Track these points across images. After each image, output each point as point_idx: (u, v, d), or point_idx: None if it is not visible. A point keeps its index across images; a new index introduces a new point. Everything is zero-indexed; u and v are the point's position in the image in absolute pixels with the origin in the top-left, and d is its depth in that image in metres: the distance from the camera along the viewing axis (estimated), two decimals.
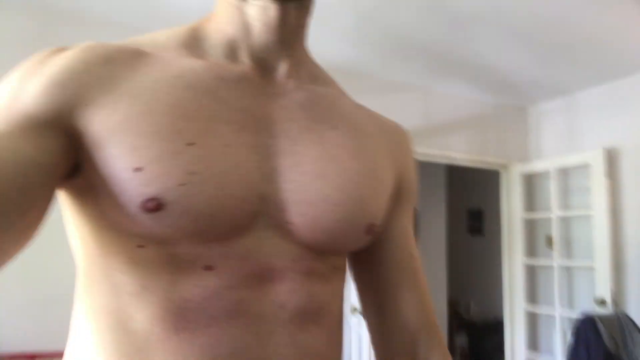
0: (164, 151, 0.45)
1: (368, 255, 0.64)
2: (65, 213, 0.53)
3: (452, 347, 4.92)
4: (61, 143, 0.46)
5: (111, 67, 0.50)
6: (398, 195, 0.64)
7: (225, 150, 0.49)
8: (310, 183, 0.52)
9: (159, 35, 0.56)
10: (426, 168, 4.51)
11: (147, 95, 0.49)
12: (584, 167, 3.20)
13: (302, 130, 0.55)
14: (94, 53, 0.50)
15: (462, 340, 5.03)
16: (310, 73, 0.62)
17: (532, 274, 3.58)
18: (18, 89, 0.47)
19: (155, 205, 0.44)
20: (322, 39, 2.59)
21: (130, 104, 0.48)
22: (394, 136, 0.66)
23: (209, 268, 0.47)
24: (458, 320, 5.18)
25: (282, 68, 0.57)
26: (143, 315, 0.46)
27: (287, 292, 0.50)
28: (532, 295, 3.56)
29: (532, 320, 3.54)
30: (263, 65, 0.56)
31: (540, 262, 3.50)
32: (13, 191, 0.40)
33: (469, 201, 5.41)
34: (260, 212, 0.50)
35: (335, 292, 0.57)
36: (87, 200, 0.49)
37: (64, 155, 0.46)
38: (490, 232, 5.09)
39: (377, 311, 0.65)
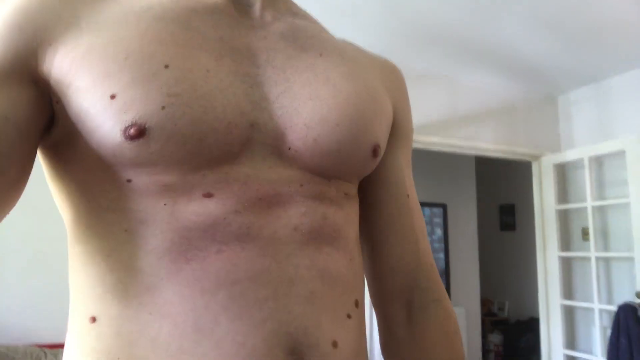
0: (139, 75, 0.42)
1: (360, 193, 0.60)
2: (47, 171, 0.51)
3: (486, 347, 4.81)
4: (30, 94, 0.43)
5: (72, 4, 0.46)
6: (393, 130, 0.61)
7: (207, 74, 0.45)
8: (303, 106, 0.50)
9: None
10: (454, 161, 4.45)
11: (113, 25, 0.45)
12: (619, 155, 3.08)
13: (288, 58, 0.53)
14: None
15: (496, 339, 4.91)
16: (288, 8, 0.59)
17: (567, 268, 3.47)
18: None
19: (137, 131, 0.41)
20: (346, 30, 2.58)
21: (95, 35, 0.44)
22: (386, 69, 0.64)
23: (208, 195, 0.44)
24: (492, 319, 5.06)
25: (257, 1, 0.55)
26: (145, 251, 0.43)
27: (299, 215, 0.48)
28: (569, 290, 3.44)
29: (570, 316, 3.42)
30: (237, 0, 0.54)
31: (576, 254, 3.39)
32: None
33: (500, 196, 5.30)
34: (253, 139, 0.47)
35: (349, 219, 0.54)
36: (67, 149, 0.47)
37: (35, 108, 0.43)
38: (522, 226, 4.97)
39: (370, 254, 0.62)
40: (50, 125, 0.46)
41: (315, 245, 0.48)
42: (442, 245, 4.47)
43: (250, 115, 0.47)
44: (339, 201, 0.52)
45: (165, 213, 0.44)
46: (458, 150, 3.27)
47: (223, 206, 0.45)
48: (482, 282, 4.60)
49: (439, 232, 4.47)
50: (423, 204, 4.44)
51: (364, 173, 0.56)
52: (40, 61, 0.44)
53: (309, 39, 0.56)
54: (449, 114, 3.21)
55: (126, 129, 0.41)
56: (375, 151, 0.54)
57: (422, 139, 3.03)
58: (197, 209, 0.44)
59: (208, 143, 0.44)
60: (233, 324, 0.42)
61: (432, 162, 4.31)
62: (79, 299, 0.46)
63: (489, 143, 3.32)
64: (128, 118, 0.41)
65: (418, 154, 4.34)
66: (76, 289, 0.47)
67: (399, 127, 0.63)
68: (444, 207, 4.48)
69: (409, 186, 0.63)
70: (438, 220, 4.46)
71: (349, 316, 0.50)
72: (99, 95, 0.42)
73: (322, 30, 0.61)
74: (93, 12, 0.46)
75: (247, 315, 0.43)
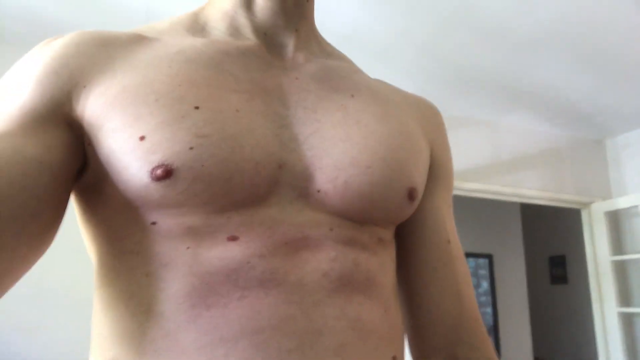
0: (168, 116, 0.42)
1: (397, 239, 0.57)
2: (78, 214, 0.50)
3: None
4: (64, 138, 0.44)
5: (106, 48, 0.47)
6: (432, 172, 0.58)
7: (237, 114, 0.45)
8: (333, 147, 0.48)
9: (159, 22, 0.55)
10: (498, 209, 4.30)
11: (145, 68, 0.46)
12: None
13: (319, 99, 0.52)
14: (89, 36, 0.48)
15: None
16: (321, 48, 0.59)
17: (629, 325, 3.20)
18: (13, 86, 0.45)
19: (164, 172, 0.41)
20: (381, 74, 2.58)
21: (127, 77, 0.45)
22: (423, 109, 0.61)
23: (233, 238, 0.43)
24: None
25: (290, 43, 0.55)
26: (166, 295, 0.42)
27: (328, 260, 0.45)
28: (633, 350, 3.15)
29: None
30: (269, 41, 0.54)
31: (637, 310, 3.12)
32: (18, 194, 0.38)
33: (549, 246, 5.04)
34: (282, 181, 0.45)
35: (384, 266, 0.50)
36: (96, 192, 0.46)
37: (69, 151, 0.44)
38: (575, 279, 4.67)
39: (409, 305, 0.57)
40: (83, 168, 0.47)
41: (346, 294, 0.45)
42: (489, 298, 4.25)
43: (279, 155, 0.46)
44: (373, 247, 0.49)
45: (188, 257, 0.42)
46: (502, 198, 3.15)
47: (247, 249, 0.43)
48: (534, 339, 4.30)
49: (485, 284, 4.26)
50: (467, 255, 4.27)
51: (401, 218, 0.52)
52: (75, 104, 0.44)
53: (341, 79, 0.55)
54: (491, 160, 3.12)
55: (153, 170, 0.41)
56: (411, 195, 0.51)
57: (464, 186, 2.94)
58: (220, 253, 0.42)
59: (234, 183, 0.42)
60: None
61: (475, 210, 4.18)
62: (97, 343, 0.45)
63: (534, 190, 3.19)
64: (155, 159, 0.41)
65: (460, 201, 4.24)
66: (96, 332, 0.46)
67: (438, 168, 0.59)
68: (489, 257, 4.29)
69: (450, 231, 0.58)
70: (484, 272, 4.26)
71: None
72: (127, 136, 0.42)
73: (357, 70, 0.60)
74: (127, 54, 0.47)
75: None
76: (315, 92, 0.52)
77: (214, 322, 0.40)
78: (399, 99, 0.59)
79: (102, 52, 0.47)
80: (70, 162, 0.44)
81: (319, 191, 0.46)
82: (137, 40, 0.49)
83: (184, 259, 0.42)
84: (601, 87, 2.74)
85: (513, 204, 4.19)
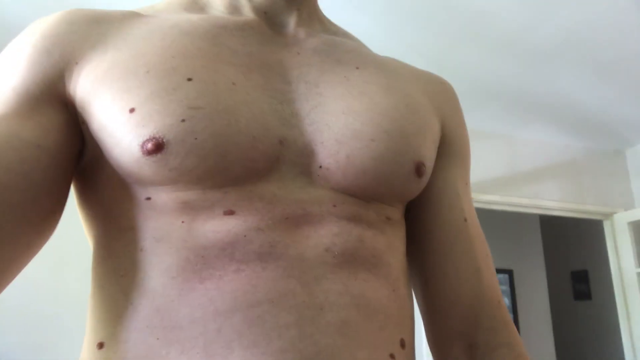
0: (159, 87, 0.41)
1: (411, 219, 0.54)
2: (77, 197, 0.49)
3: None
4: (61, 119, 0.43)
5: (99, 25, 0.46)
6: (444, 148, 0.56)
7: (233, 87, 0.43)
8: (335, 121, 0.46)
9: (159, 3, 0.54)
10: (517, 222, 4.22)
11: (138, 41, 0.45)
12: None
13: (322, 73, 0.50)
14: (81, 13, 0.47)
15: None
16: (324, 27, 0.57)
17: None
18: (5, 68, 0.44)
19: (155, 146, 0.39)
20: None
21: (119, 51, 0.44)
22: (433, 83, 0.59)
23: (230, 213, 0.41)
24: None
25: (291, 22, 0.53)
26: (159, 270, 0.40)
27: (332, 235, 0.43)
28: None
29: None
30: (269, 19, 0.52)
31: None
32: (17, 181, 0.38)
33: (571, 260, 4.91)
34: (283, 157, 0.44)
35: (392, 246, 0.47)
36: (93, 173, 0.45)
37: (67, 133, 0.43)
38: (599, 295, 4.54)
39: (424, 287, 0.53)
40: (83, 150, 0.46)
41: (350, 270, 0.42)
42: (511, 315, 4.13)
43: (278, 131, 0.44)
44: (380, 225, 0.47)
45: (183, 230, 0.41)
46: (520, 210, 3.09)
47: (244, 223, 0.41)
48: (559, 359, 4.16)
49: (506, 301, 4.16)
50: None
51: (409, 196, 0.50)
52: (68, 82, 0.43)
53: (345, 53, 0.54)
54: (509, 171, 3.07)
55: (144, 143, 0.39)
56: (419, 169, 0.48)
57: (481, 198, 2.89)
58: (215, 227, 0.41)
59: (231, 158, 0.41)
60: (248, 353, 0.37)
61: (494, 223, 4.11)
62: (91, 325, 0.43)
63: (553, 201, 3.13)
64: (146, 132, 0.39)
65: (477, 213, 4.16)
66: (90, 314, 0.44)
67: (451, 144, 0.56)
68: (509, 273, 4.19)
69: (467, 210, 0.54)
70: (504, 287, 4.17)
71: (392, 356, 0.42)
72: (117, 110, 0.41)
73: (362, 45, 0.58)
74: (120, 30, 0.46)
75: (265, 342, 0.37)
76: (318, 66, 0.50)
77: (208, 296, 0.38)
78: (407, 73, 0.57)
79: (94, 29, 0.46)
80: (69, 145, 0.43)
81: (320, 167, 0.45)
82: (132, 17, 0.48)
83: (178, 233, 0.41)
84: (620, 97, 2.69)
85: (532, 217, 4.11)
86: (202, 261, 0.40)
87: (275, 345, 0.37)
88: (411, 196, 0.50)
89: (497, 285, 0.53)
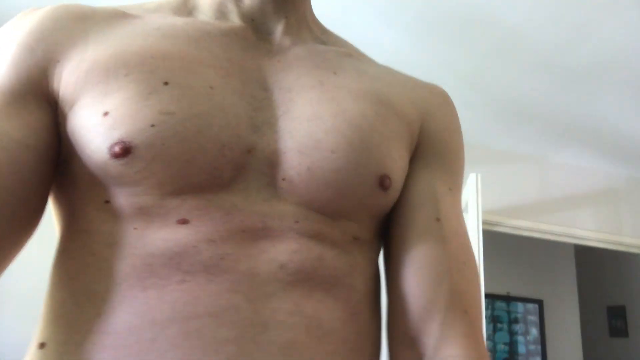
0: (135, 92, 0.41)
1: (387, 234, 0.51)
2: (51, 194, 0.49)
3: None
4: (48, 118, 0.43)
5: (83, 22, 0.46)
6: (422, 150, 0.53)
7: (209, 91, 0.43)
8: (299, 128, 0.45)
9: (149, 2, 0.54)
10: (550, 250, 4.07)
11: (119, 40, 0.45)
12: None
13: (298, 77, 0.49)
14: (65, 10, 0.46)
15: None
16: (314, 36, 0.55)
17: None
18: None
19: (122, 149, 0.39)
20: None
21: (99, 50, 0.44)
22: (421, 89, 0.56)
23: (183, 222, 0.40)
24: None
25: (278, 30, 0.52)
26: (105, 275, 0.40)
27: (289, 252, 0.41)
28: None
29: None
30: (256, 27, 0.52)
31: None
32: (7, 180, 0.38)
33: (607, 294, 4.68)
34: (250, 167, 0.43)
35: (356, 267, 0.45)
36: (64, 170, 0.45)
37: (54, 132, 0.43)
38: (637, 332, 4.30)
39: (387, 293, 0.49)
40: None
41: (305, 289, 0.41)
42: (539, 347, 3.97)
43: (249, 139, 0.43)
44: (345, 245, 0.45)
45: (134, 238, 0.40)
46: (552, 238, 2.97)
47: (196, 233, 0.40)
48: None
49: (534, 331, 3.99)
50: (514, 299, 4.03)
51: (377, 210, 0.47)
52: (50, 80, 0.43)
53: (326, 59, 0.52)
54: (541, 197, 2.96)
55: (112, 146, 0.39)
56: (382, 183, 0.46)
57: (510, 223, 2.79)
58: (166, 235, 0.40)
59: (195, 164, 0.40)
60: None
61: (524, 250, 3.97)
62: (39, 324, 0.43)
63: (588, 230, 2.99)
64: (116, 135, 0.40)
65: (506, 238, 4.03)
66: (41, 314, 0.44)
67: (431, 147, 0.54)
68: (539, 303, 4.02)
69: (442, 209, 0.50)
70: (533, 318, 4.00)
71: None
72: (93, 113, 0.41)
73: (352, 55, 0.56)
74: (103, 28, 0.46)
75: (200, 356, 0.36)
76: (296, 71, 0.49)
77: (148, 305, 0.38)
78: (392, 80, 0.55)
79: (77, 26, 0.45)
80: (54, 143, 0.43)
81: (284, 179, 0.43)
82: (117, 17, 0.48)
83: (129, 240, 0.40)
84: None
85: (566, 246, 3.95)
86: (149, 269, 0.39)
87: None
88: (380, 210, 0.48)
89: (470, 293, 0.46)
